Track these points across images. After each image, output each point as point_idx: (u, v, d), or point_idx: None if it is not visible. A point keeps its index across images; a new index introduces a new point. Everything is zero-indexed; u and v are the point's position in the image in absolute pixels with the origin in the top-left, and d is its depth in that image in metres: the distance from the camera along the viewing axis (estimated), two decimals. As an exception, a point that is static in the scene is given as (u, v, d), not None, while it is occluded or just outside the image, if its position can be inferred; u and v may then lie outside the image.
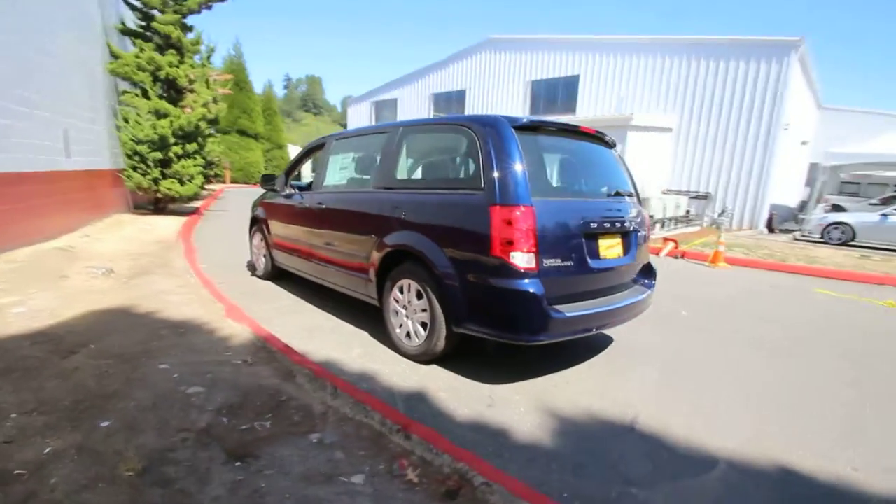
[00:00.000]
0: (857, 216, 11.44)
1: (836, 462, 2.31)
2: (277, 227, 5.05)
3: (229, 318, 3.79)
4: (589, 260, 2.95)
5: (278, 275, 5.45)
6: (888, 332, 4.56)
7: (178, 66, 10.01)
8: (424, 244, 3.06)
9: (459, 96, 21.53)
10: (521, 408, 2.68)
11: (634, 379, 3.18)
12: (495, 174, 2.74)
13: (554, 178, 3.14)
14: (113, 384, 2.61)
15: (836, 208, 13.95)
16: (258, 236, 5.58)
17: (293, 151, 41.09)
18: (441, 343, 3.08)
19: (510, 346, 2.96)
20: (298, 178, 5.32)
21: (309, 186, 5.02)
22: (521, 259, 2.63)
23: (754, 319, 4.77)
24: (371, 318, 4.12)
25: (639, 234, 3.43)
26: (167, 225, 9.22)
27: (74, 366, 2.80)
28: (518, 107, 19.50)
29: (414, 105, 23.75)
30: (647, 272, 3.67)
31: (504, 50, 19.45)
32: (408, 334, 3.33)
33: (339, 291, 4.17)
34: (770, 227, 14.34)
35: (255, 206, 5.77)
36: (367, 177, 3.84)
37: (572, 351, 3.53)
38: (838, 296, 6.04)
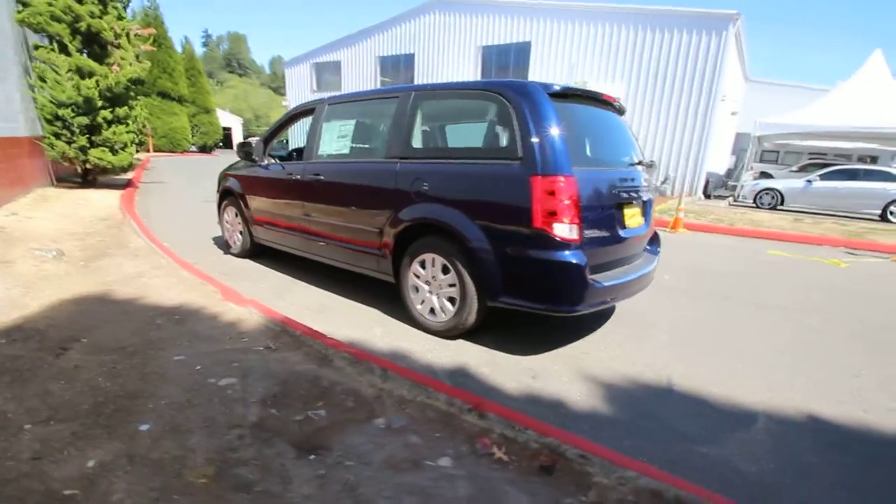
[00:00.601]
0: (785, 183, 12.59)
1: (848, 406, 2.57)
2: (259, 202, 4.67)
3: (229, 302, 3.49)
4: (619, 229, 3.00)
5: (257, 252, 5.10)
6: (843, 289, 5.10)
7: (100, 17, 8.76)
8: (453, 217, 2.94)
9: (408, 60, 20.77)
10: (564, 378, 2.73)
11: (651, 343, 3.33)
12: (534, 143, 2.66)
13: (585, 148, 3.11)
14: (130, 382, 2.33)
15: (765, 176, 15.24)
16: (231, 211, 5.15)
17: (223, 117, 38.02)
18: (472, 317, 3.04)
19: (536, 317, 2.97)
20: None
21: (291, 156, 4.67)
22: (564, 230, 2.61)
23: (728, 280, 5.15)
24: (377, 294, 3.98)
25: (651, 201, 3.53)
26: (101, 200, 8.28)
27: (73, 364, 2.46)
28: (469, 72, 19.18)
29: (359, 68, 22.64)
30: (653, 239, 3.81)
31: (454, 12, 18.87)
32: (431, 310, 3.25)
33: (332, 268, 3.97)
34: (706, 194, 15.44)
35: (222, 178, 5.30)
36: (373, 146, 3.61)
37: (581, 321, 3.61)
38: (791, 256, 6.67)
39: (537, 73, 17.55)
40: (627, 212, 3.11)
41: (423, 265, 3.24)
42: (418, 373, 2.59)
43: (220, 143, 35.39)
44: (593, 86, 14.47)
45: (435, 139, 3.35)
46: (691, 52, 14.64)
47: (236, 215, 5.09)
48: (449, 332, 3.17)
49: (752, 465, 2.02)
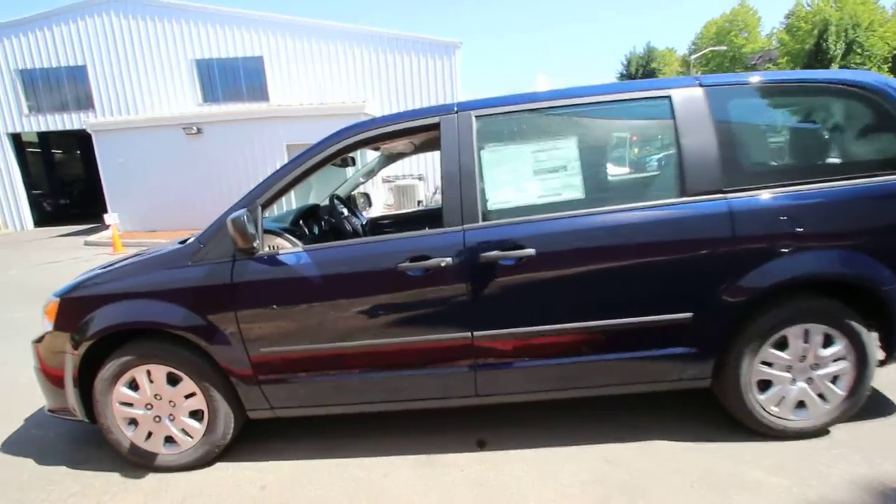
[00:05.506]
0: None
1: None
2: (293, 331, 2.17)
3: None
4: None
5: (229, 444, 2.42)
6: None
7: None
8: (861, 262, 2.03)
9: (76, 74, 14.79)
10: None
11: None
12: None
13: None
14: None
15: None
16: (155, 376, 2.26)
17: None
18: (869, 390, 2.20)
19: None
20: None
21: (298, 228, 2.46)
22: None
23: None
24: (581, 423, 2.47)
25: None
26: None
27: None
28: (185, 91, 15.28)
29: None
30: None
31: (148, 16, 14.48)
32: (800, 404, 2.19)
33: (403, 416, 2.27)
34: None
35: (77, 309, 2.29)
36: (633, 178, 2.14)
37: None
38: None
39: (280, 91, 15.56)
40: None
41: (779, 346, 2.14)
42: None
43: None
44: (371, 109, 13.70)
45: (774, 155, 2.23)
46: (430, 74, 15.93)
47: (173, 382, 2.24)
48: (829, 424, 2.22)
49: None
